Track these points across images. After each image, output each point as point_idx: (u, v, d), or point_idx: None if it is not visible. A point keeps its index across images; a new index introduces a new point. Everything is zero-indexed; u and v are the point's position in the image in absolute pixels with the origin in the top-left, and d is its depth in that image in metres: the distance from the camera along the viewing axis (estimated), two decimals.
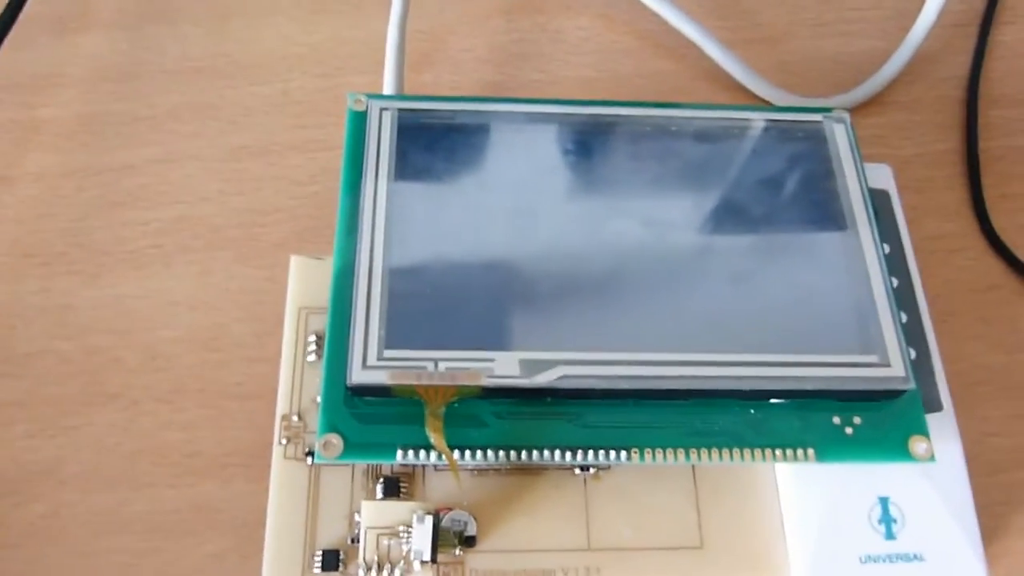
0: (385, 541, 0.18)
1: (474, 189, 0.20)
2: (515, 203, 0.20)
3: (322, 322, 0.20)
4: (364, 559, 0.18)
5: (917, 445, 0.18)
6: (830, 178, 0.21)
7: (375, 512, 0.18)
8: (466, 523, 0.19)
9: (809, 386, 0.18)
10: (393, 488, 0.19)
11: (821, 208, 0.20)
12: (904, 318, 0.20)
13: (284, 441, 0.19)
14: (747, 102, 0.27)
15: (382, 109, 0.21)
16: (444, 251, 0.19)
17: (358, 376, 0.17)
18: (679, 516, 0.19)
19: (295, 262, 0.21)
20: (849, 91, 0.27)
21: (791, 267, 0.20)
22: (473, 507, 0.19)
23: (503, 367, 0.18)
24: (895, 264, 0.21)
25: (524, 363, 0.18)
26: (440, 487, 0.19)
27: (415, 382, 0.17)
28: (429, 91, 0.27)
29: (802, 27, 0.29)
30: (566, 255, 0.19)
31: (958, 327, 0.24)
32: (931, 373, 0.20)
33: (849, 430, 0.18)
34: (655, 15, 0.28)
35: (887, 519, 0.19)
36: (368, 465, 0.19)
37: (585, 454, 0.18)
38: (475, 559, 0.18)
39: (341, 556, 0.18)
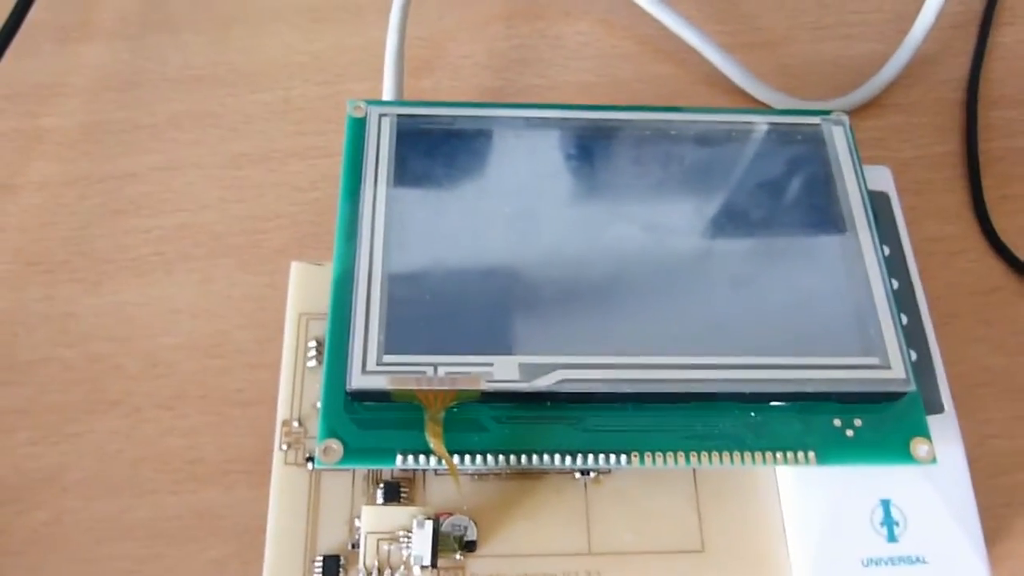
0: (385, 546, 0.18)
1: (473, 194, 0.20)
2: (515, 208, 0.20)
3: (322, 328, 0.20)
4: (364, 564, 0.18)
5: (919, 447, 0.18)
6: (829, 181, 0.21)
7: (375, 517, 0.18)
8: (466, 528, 0.19)
9: (810, 388, 0.18)
10: (393, 493, 0.19)
11: (821, 211, 0.20)
12: (905, 320, 0.20)
13: (285, 447, 0.19)
14: (747, 106, 0.27)
15: (381, 115, 0.21)
16: (443, 256, 0.19)
17: (358, 381, 0.17)
18: (680, 520, 0.19)
19: (295, 268, 0.21)
20: (848, 94, 0.27)
21: (791, 270, 0.20)
22: (473, 512, 0.19)
23: (503, 371, 0.18)
24: (895, 266, 0.21)
25: (524, 367, 0.18)
26: (440, 492, 0.19)
27: (415, 387, 0.17)
28: (429, 97, 0.27)
29: (801, 31, 0.29)
30: (566, 259, 0.19)
31: (959, 329, 0.24)
32: (932, 375, 0.20)
33: (850, 432, 0.18)
34: (654, 20, 0.28)
35: (889, 522, 0.19)
36: (368, 470, 0.19)
37: (585, 458, 0.18)
38: (476, 564, 0.18)
39: (342, 561, 0.18)
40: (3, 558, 0.21)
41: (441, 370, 0.18)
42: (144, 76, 0.28)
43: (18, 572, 0.21)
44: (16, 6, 0.27)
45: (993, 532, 0.20)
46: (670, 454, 0.18)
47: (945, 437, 0.19)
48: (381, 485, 0.19)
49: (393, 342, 0.18)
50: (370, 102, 0.21)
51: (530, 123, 0.21)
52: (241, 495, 0.21)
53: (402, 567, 0.18)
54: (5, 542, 0.21)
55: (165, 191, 0.26)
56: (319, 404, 0.18)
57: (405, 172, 0.20)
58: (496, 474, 0.19)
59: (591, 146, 0.21)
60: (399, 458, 0.17)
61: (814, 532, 0.19)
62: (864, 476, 0.19)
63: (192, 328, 0.23)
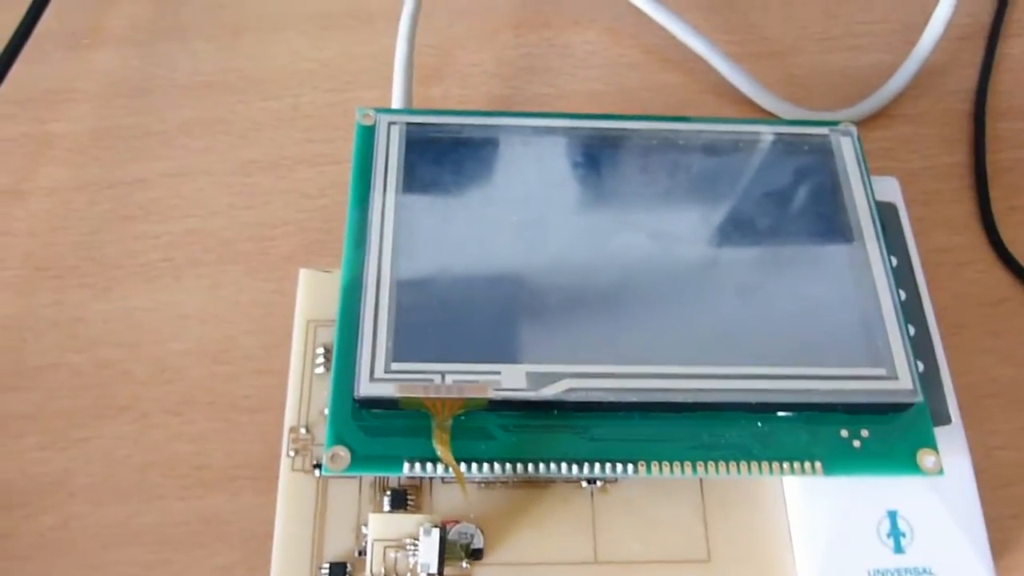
0: (392, 554, 0.18)
1: (482, 202, 0.20)
2: (522, 216, 0.20)
3: (330, 335, 0.20)
4: (371, 572, 0.18)
5: (926, 458, 0.18)
6: (837, 191, 0.21)
7: (382, 525, 0.18)
8: (473, 536, 0.19)
9: (817, 399, 0.18)
10: (400, 500, 0.19)
11: (828, 221, 0.21)
12: (912, 331, 0.20)
13: (292, 453, 0.19)
14: (754, 115, 0.27)
15: (390, 123, 0.21)
16: (452, 264, 0.19)
17: (366, 389, 0.17)
18: (686, 529, 0.19)
19: (304, 275, 0.21)
20: (856, 104, 0.27)
21: (799, 280, 0.20)
22: (480, 520, 0.19)
23: (510, 380, 0.18)
24: (903, 277, 0.21)
25: (531, 376, 0.18)
26: (447, 500, 0.19)
27: (422, 395, 0.17)
28: (438, 105, 0.27)
29: (809, 41, 0.29)
30: (573, 268, 0.19)
31: (967, 340, 0.24)
32: (939, 386, 0.20)
33: (857, 443, 0.18)
34: (662, 29, 0.28)
35: (896, 533, 0.19)
36: (375, 477, 0.19)
37: (592, 467, 0.18)
38: (482, 572, 0.18)
39: (348, 569, 0.18)
40: (10, 563, 0.21)
41: (449, 378, 0.18)
42: (154, 83, 0.28)
43: None
44: (27, 13, 0.27)
45: (1000, 544, 0.20)
46: (677, 463, 0.18)
47: (952, 448, 0.19)
48: (388, 492, 0.19)
49: (401, 350, 0.18)
50: (379, 110, 0.21)
51: (538, 131, 0.22)
52: (248, 501, 0.21)
53: (409, 575, 0.18)
54: (12, 547, 0.21)
55: (174, 197, 0.26)
56: (327, 411, 0.18)
57: (414, 180, 0.20)
58: (503, 482, 0.19)
59: (599, 155, 0.21)
60: (406, 466, 0.17)
61: (821, 543, 0.19)
62: (871, 487, 0.19)
63: (200, 334, 0.24)
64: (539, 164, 0.21)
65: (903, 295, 0.20)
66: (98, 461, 0.22)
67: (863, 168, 0.21)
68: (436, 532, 0.17)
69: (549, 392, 0.18)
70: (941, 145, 0.27)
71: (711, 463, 0.18)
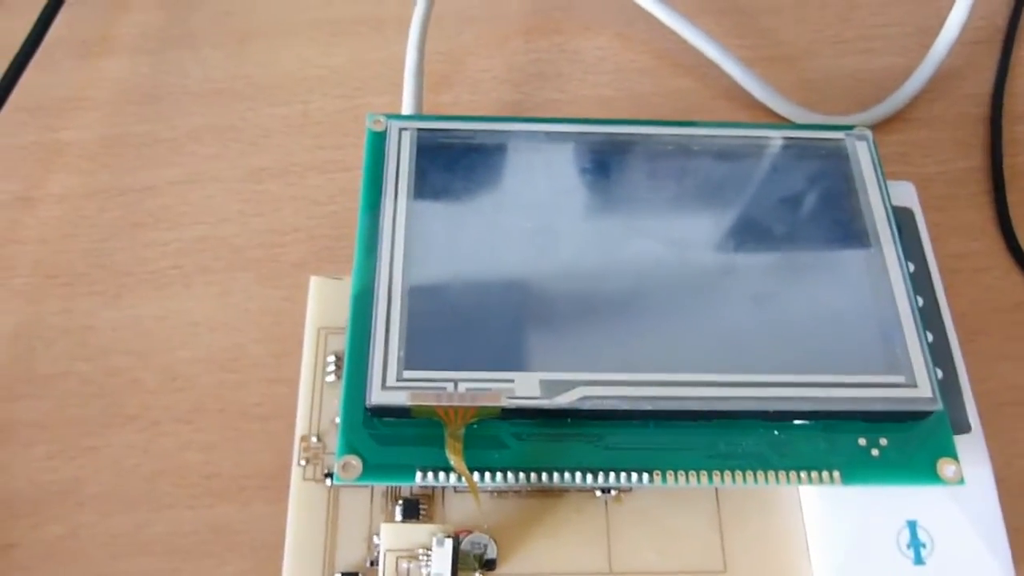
0: (404, 564, 0.18)
1: (493, 209, 0.20)
2: (535, 222, 0.20)
3: (341, 342, 0.20)
4: None
5: (946, 468, 0.18)
6: (853, 196, 0.21)
7: (394, 535, 0.18)
8: (486, 546, 0.18)
9: (834, 407, 0.18)
10: (412, 510, 0.19)
11: (844, 226, 0.20)
12: (930, 338, 0.20)
13: (303, 462, 0.19)
14: (767, 120, 0.27)
15: (401, 129, 0.21)
16: (464, 271, 0.19)
17: (378, 397, 0.17)
18: (702, 539, 0.19)
19: (314, 282, 0.21)
20: (870, 108, 0.27)
21: (815, 286, 0.19)
22: (493, 530, 0.19)
23: (523, 388, 0.17)
24: (920, 283, 0.21)
25: (545, 384, 0.18)
26: (460, 509, 0.19)
27: (435, 403, 0.17)
28: (448, 111, 0.27)
29: (822, 45, 0.29)
30: (587, 275, 0.19)
31: (986, 347, 0.23)
32: (959, 394, 0.20)
33: (875, 452, 0.18)
34: (673, 34, 0.28)
35: (916, 543, 0.18)
36: (387, 487, 0.19)
37: (607, 476, 0.17)
38: None
39: None
40: (19, 573, 0.21)
41: (461, 386, 0.17)
42: (164, 90, 0.28)
43: None
44: (38, 21, 0.27)
45: (1022, 554, 0.20)
46: (692, 473, 0.17)
47: (972, 457, 0.19)
48: (400, 502, 0.19)
49: (413, 357, 0.18)
50: (390, 116, 0.21)
51: (549, 137, 0.21)
52: (258, 510, 0.21)
53: None
54: (21, 556, 0.21)
55: (184, 204, 0.26)
56: (338, 420, 0.18)
57: (425, 186, 0.20)
58: (516, 492, 0.19)
59: (610, 161, 0.21)
60: (419, 475, 0.17)
61: (839, 553, 0.18)
62: (890, 496, 0.19)
63: (210, 342, 0.23)
64: (550, 170, 0.21)
65: (921, 301, 0.20)
66: (107, 470, 0.22)
67: (879, 173, 0.21)
68: (449, 542, 0.17)
69: (563, 400, 0.17)
70: (957, 149, 0.27)
71: (727, 472, 0.18)
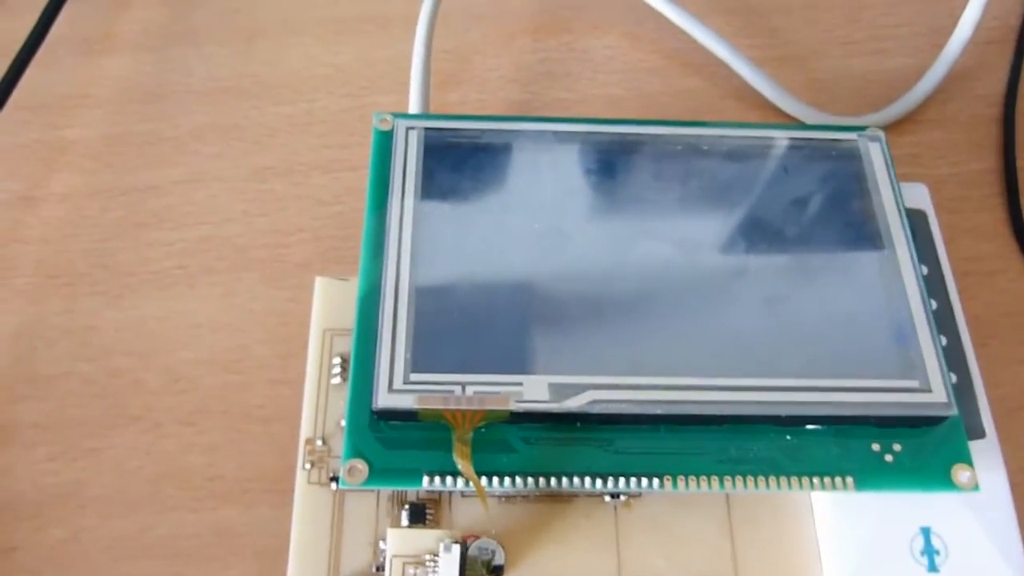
0: (411, 570, 0.17)
1: (501, 209, 0.20)
2: (543, 223, 0.20)
3: (347, 344, 0.20)
4: None
5: (960, 473, 0.18)
6: (865, 198, 0.20)
7: (401, 540, 0.18)
8: (494, 552, 0.18)
9: (847, 412, 0.18)
10: (419, 515, 0.18)
11: (857, 228, 0.20)
12: (944, 341, 0.19)
13: (308, 466, 0.19)
14: (776, 120, 0.27)
15: (408, 128, 0.21)
16: (471, 272, 0.19)
17: (384, 400, 0.17)
18: (712, 545, 0.19)
19: (320, 283, 0.21)
20: (882, 109, 0.26)
21: (827, 289, 0.19)
22: (501, 535, 0.18)
23: (532, 391, 0.17)
24: (934, 286, 0.20)
25: (553, 387, 0.17)
26: (467, 514, 0.19)
27: (442, 406, 0.17)
28: (455, 111, 0.27)
29: (833, 45, 0.29)
30: (596, 276, 0.19)
31: (999, 351, 0.23)
32: (973, 398, 0.20)
33: (889, 457, 0.18)
34: (683, 33, 0.27)
35: (930, 550, 0.18)
36: (393, 491, 0.19)
37: (616, 481, 0.17)
38: None
39: None
40: None
41: (469, 389, 0.17)
42: (168, 88, 0.28)
43: None
44: (40, 18, 0.27)
45: None
46: (703, 478, 0.17)
47: (987, 463, 0.19)
48: (406, 506, 0.18)
49: (420, 360, 0.17)
50: (397, 115, 0.21)
51: (558, 137, 0.21)
52: (261, 514, 0.21)
53: None
54: (22, 559, 0.21)
55: (188, 204, 0.25)
56: (343, 422, 0.17)
57: (432, 186, 0.20)
58: (524, 497, 0.19)
59: (619, 161, 0.21)
60: (426, 479, 0.17)
61: (851, 561, 0.18)
62: (903, 503, 0.18)
63: (213, 343, 0.23)
64: (558, 170, 0.21)
65: (934, 304, 0.20)
66: (109, 472, 0.21)
67: (892, 174, 0.21)
68: (456, 548, 0.17)
69: (572, 404, 0.17)
70: (969, 151, 0.26)
71: (738, 477, 0.17)
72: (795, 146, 0.21)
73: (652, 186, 0.21)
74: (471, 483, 0.17)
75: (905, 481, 0.18)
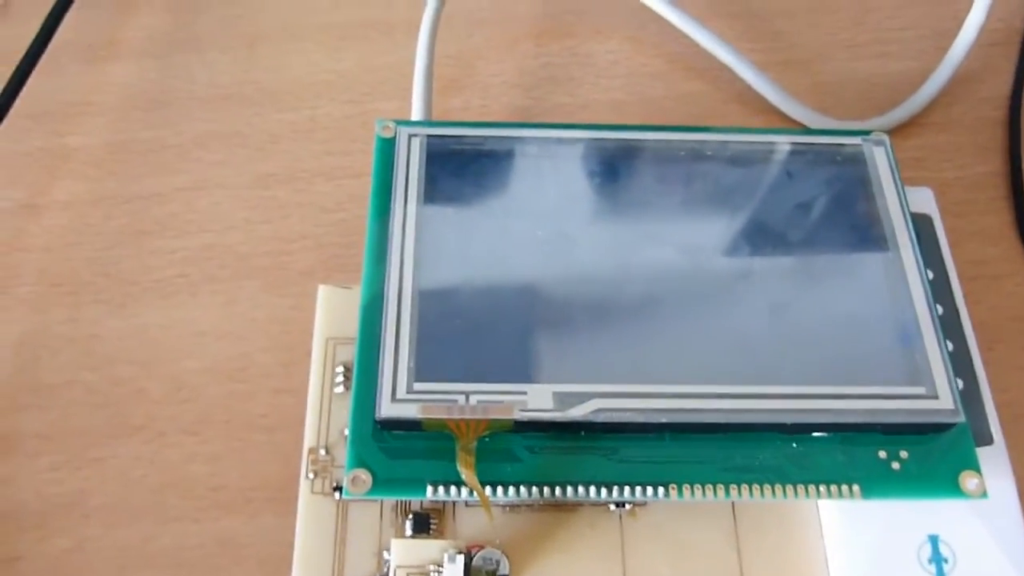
0: None
1: (505, 216, 0.20)
2: (546, 230, 0.20)
3: (350, 353, 0.20)
4: None
5: (968, 481, 0.17)
6: (870, 202, 0.20)
7: (405, 550, 0.17)
8: (498, 562, 0.18)
9: (853, 419, 0.17)
10: (423, 525, 0.18)
11: (862, 233, 0.20)
12: (950, 347, 0.19)
13: (311, 475, 0.19)
14: (780, 125, 0.27)
15: (411, 135, 0.21)
16: (475, 280, 0.19)
17: (388, 410, 0.17)
18: (718, 554, 0.18)
19: (323, 292, 0.21)
20: (887, 113, 0.26)
21: (832, 295, 0.19)
22: (505, 545, 0.18)
23: (536, 400, 0.17)
24: (939, 291, 0.20)
25: (558, 396, 0.17)
26: (471, 524, 0.18)
27: (446, 416, 0.17)
28: (458, 117, 0.27)
29: (837, 49, 0.28)
30: (600, 284, 0.19)
31: (1005, 356, 0.23)
32: (980, 405, 0.19)
33: (896, 465, 0.18)
34: (686, 37, 0.27)
35: (938, 559, 0.18)
36: (397, 501, 0.19)
37: (621, 490, 0.17)
38: None
39: None
40: None
41: (473, 398, 0.17)
42: (171, 95, 0.28)
43: None
44: (43, 25, 0.27)
45: None
46: (708, 486, 0.17)
47: (995, 470, 0.19)
48: (410, 516, 0.18)
49: (424, 369, 0.17)
50: (399, 122, 0.21)
51: (561, 143, 0.21)
52: (265, 523, 0.21)
53: None
54: (26, 569, 0.20)
55: (191, 212, 0.25)
56: (347, 431, 0.17)
57: (435, 193, 0.20)
58: (529, 506, 0.19)
59: (623, 166, 0.21)
60: (430, 489, 0.17)
61: (859, 569, 0.18)
62: (910, 510, 0.18)
63: (216, 351, 0.23)
64: (562, 176, 0.21)
65: (940, 309, 0.19)
66: (113, 481, 0.21)
67: (897, 178, 0.21)
68: (461, 558, 0.17)
69: (577, 413, 0.17)
70: (975, 154, 0.26)
71: (744, 486, 0.17)
72: (799, 151, 0.21)
73: (656, 191, 0.20)
74: (475, 493, 0.17)
75: (912, 489, 0.17)
